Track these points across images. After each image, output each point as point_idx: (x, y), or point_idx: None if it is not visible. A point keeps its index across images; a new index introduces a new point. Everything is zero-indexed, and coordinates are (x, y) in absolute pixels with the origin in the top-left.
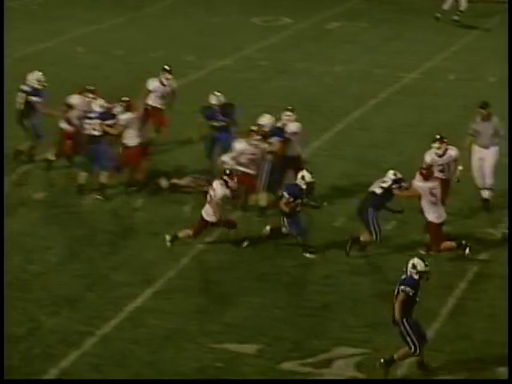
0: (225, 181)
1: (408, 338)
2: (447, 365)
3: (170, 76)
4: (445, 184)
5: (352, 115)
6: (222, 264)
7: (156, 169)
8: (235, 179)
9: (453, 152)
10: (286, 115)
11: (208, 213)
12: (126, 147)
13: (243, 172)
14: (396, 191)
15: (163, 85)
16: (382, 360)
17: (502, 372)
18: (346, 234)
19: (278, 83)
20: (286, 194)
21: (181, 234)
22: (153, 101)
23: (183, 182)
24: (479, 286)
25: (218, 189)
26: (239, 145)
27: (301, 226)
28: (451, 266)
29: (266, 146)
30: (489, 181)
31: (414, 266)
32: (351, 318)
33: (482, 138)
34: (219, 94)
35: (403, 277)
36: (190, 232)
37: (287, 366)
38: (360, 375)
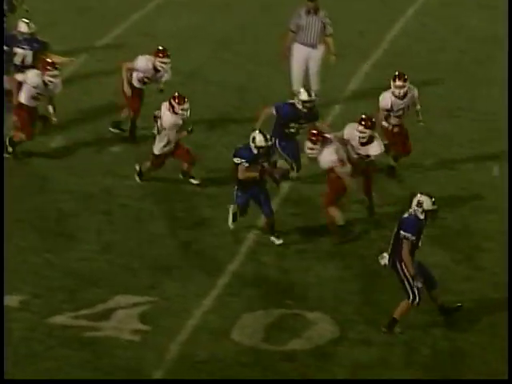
0: (172, 106)
1: (407, 286)
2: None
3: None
4: (401, 131)
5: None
6: None
7: None
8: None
9: (415, 92)
10: None
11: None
12: None
13: None
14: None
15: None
16: (383, 328)
17: None
18: None
19: None
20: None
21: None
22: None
23: None
24: None
25: (165, 116)
26: None
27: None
28: None
29: None
30: (314, 87)
31: (419, 204)
32: (135, 261)
33: (308, 34)
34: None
35: (405, 215)
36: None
37: (58, 319)
38: (144, 327)
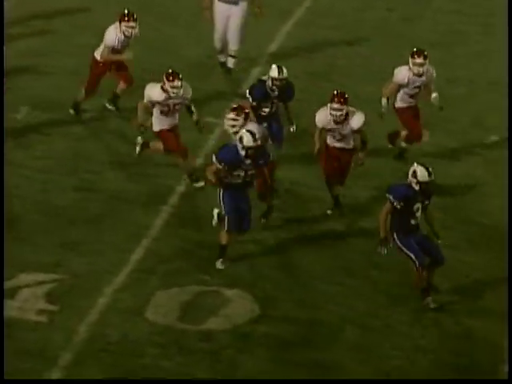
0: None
1: (406, 252)
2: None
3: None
4: (415, 112)
5: None
6: None
7: None
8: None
9: (433, 71)
10: None
11: None
12: None
13: None
14: None
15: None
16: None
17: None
18: None
19: None
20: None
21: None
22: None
23: None
24: None
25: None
26: None
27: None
28: None
29: None
30: (233, 46)
31: (414, 174)
32: (39, 237)
33: None
34: None
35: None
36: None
37: None
38: (51, 307)
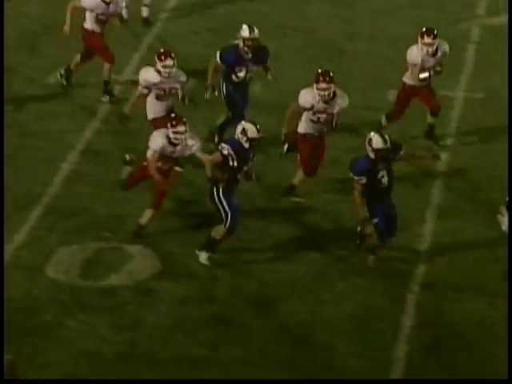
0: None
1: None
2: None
3: None
4: (430, 89)
5: None
6: None
7: None
8: None
9: (446, 47)
10: None
11: None
12: None
13: None
14: None
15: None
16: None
17: None
18: None
19: None
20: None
21: None
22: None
23: None
24: None
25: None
26: None
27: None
28: None
29: None
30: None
31: (369, 142)
32: None
33: None
34: None
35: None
36: None
37: None
38: None
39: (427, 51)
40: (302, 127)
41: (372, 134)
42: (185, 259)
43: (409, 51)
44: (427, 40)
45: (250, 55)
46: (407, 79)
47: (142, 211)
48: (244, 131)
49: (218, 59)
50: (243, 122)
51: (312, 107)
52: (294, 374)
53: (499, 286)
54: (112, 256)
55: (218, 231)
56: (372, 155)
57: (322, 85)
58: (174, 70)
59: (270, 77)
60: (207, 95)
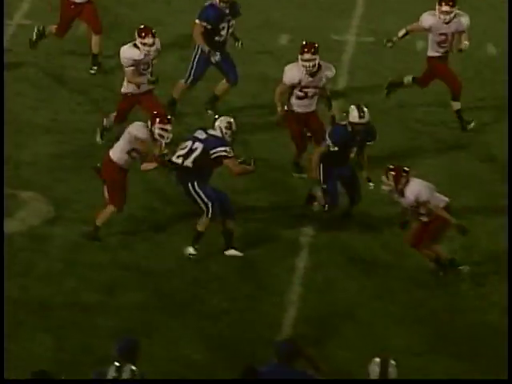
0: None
1: (321, 180)
2: None
3: None
4: (444, 61)
5: None
6: None
7: None
8: None
9: (464, 19)
10: None
11: None
12: None
13: None
14: None
15: None
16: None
17: None
18: None
19: None
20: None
21: None
22: None
23: None
24: None
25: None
26: None
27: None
28: None
29: None
30: None
31: (347, 114)
32: None
33: None
34: None
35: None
36: None
37: None
38: None
39: (443, 19)
40: (290, 104)
41: (352, 107)
42: (77, 205)
43: (422, 17)
44: (444, 8)
45: (228, 10)
46: (430, 52)
47: (36, 156)
48: (230, 125)
49: (202, 21)
50: (224, 117)
51: (300, 82)
52: (191, 316)
53: None
54: (6, 202)
55: (203, 223)
56: (349, 128)
57: (307, 55)
58: (154, 48)
59: (237, 45)
60: (216, 58)
